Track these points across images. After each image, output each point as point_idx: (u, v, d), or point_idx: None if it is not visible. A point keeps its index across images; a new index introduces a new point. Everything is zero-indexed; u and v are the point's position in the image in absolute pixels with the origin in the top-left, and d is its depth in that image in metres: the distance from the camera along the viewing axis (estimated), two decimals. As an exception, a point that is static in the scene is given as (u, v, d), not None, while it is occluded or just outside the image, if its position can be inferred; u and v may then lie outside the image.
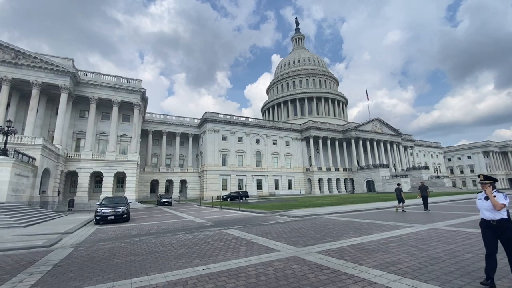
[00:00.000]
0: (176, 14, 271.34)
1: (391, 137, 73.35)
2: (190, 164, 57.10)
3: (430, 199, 18.53)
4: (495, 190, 4.28)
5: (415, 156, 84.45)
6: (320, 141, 64.37)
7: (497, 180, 4.41)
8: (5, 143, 20.40)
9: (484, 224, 4.33)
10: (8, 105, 31.79)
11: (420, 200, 17.26)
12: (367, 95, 76.47)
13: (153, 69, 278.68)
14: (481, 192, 4.56)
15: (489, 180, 4.34)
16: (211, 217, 17.45)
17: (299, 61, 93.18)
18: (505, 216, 4.10)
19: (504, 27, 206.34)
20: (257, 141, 59.80)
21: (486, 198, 4.26)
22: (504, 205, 4.04)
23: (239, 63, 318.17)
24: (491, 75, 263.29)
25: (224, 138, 55.74)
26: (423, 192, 16.55)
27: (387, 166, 63.61)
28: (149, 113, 54.93)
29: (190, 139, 58.00)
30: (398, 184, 18.11)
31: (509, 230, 4.08)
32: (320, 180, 61.08)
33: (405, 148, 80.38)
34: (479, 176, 4.59)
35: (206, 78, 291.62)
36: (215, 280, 4.91)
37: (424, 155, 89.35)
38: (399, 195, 16.30)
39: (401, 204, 16.40)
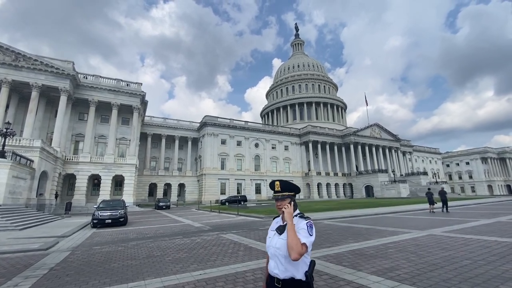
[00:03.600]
0: (177, 18, 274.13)
1: (390, 142, 73.60)
2: (189, 168, 56.92)
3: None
4: (297, 213, 2.01)
5: (413, 161, 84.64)
6: (319, 145, 64.46)
7: (299, 192, 2.17)
8: (3, 145, 20.34)
9: (269, 285, 2.01)
10: (7, 107, 31.73)
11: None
12: (366, 101, 77.03)
13: (154, 72, 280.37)
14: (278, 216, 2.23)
15: (290, 192, 2.09)
16: (209, 222, 17.35)
17: (298, 66, 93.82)
18: (298, 276, 1.85)
19: (504, 33, 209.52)
20: (256, 145, 59.79)
21: (281, 230, 1.97)
22: (306, 246, 1.78)
23: (240, 67, 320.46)
24: (491, 81, 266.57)
25: (223, 142, 55.70)
26: (442, 196, 19.38)
27: (385, 171, 63.75)
28: (149, 116, 54.95)
29: (189, 143, 57.94)
30: (429, 189, 21.38)
31: None
32: (319, 185, 61.00)
33: (404, 153, 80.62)
34: (271, 185, 2.18)
35: (206, 82, 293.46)
36: (212, 285, 4.88)
37: (422, 160, 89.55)
38: (430, 198, 19.17)
39: (432, 206, 18.77)
